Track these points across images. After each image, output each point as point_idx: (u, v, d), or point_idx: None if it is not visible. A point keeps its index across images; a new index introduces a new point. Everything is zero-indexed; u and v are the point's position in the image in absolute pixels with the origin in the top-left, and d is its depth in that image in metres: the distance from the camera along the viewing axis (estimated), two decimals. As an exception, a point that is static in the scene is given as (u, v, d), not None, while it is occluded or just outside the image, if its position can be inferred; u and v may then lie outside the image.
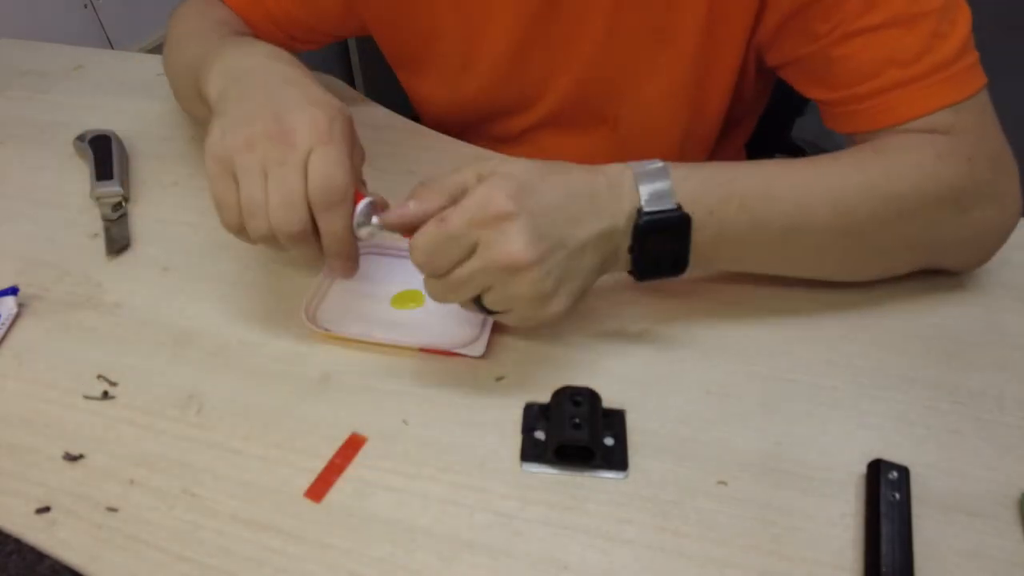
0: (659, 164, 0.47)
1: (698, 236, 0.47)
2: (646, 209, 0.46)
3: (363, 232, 0.47)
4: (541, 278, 0.44)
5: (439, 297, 0.47)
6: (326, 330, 0.52)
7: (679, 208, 0.46)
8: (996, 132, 0.52)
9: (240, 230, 0.48)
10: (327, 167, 0.45)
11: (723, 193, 0.48)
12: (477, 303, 0.46)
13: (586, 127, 0.69)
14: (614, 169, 0.48)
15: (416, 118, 0.80)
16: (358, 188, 0.48)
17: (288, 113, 0.47)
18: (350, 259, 0.49)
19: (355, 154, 0.49)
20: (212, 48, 0.57)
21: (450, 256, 0.44)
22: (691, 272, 0.49)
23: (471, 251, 0.44)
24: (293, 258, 0.58)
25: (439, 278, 0.45)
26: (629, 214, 0.46)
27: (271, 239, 0.47)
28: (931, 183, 0.49)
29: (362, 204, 0.47)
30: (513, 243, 0.43)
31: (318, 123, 0.46)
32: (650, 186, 0.46)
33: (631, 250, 0.47)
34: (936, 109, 0.50)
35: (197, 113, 0.68)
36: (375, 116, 0.75)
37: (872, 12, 0.50)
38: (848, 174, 0.50)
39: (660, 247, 0.47)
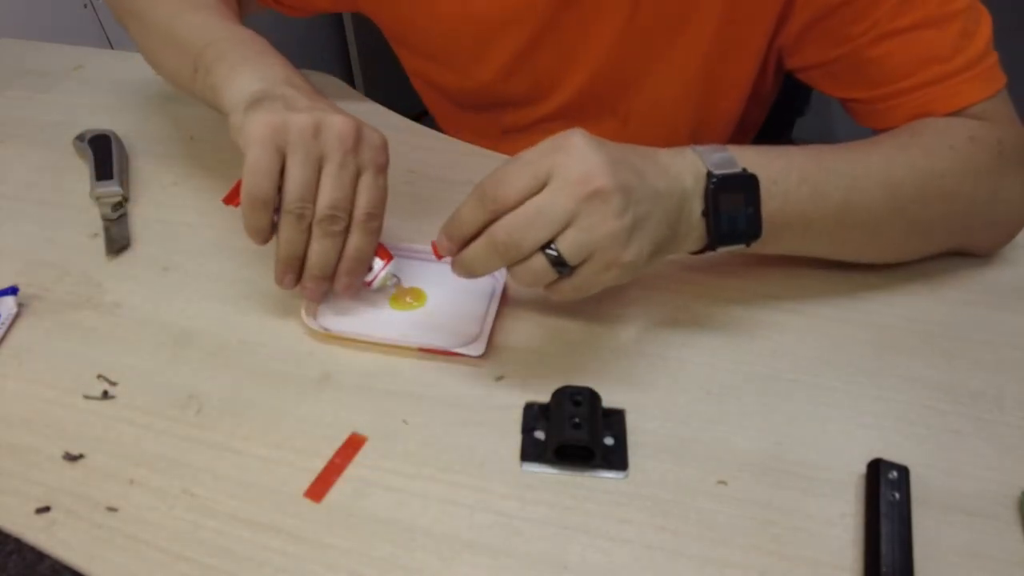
0: (715, 144, 0.48)
1: (766, 205, 0.47)
2: (715, 172, 0.46)
3: (380, 284, 0.53)
4: (622, 208, 0.42)
5: (514, 239, 0.42)
6: (326, 329, 0.52)
7: (745, 170, 0.47)
8: (1019, 121, 0.55)
9: (262, 202, 0.47)
10: (377, 193, 0.49)
11: (782, 164, 0.49)
12: (550, 258, 0.42)
13: (597, 121, 0.69)
14: (672, 148, 0.48)
15: (418, 116, 0.80)
16: (383, 245, 0.52)
17: (362, 125, 0.49)
18: (358, 276, 0.51)
19: None
20: (220, 39, 0.56)
21: (523, 182, 0.42)
22: (761, 248, 0.49)
23: (544, 182, 0.42)
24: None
25: (508, 218, 0.42)
26: (695, 175, 0.46)
27: (304, 222, 0.47)
28: (966, 163, 0.51)
29: (392, 264, 0.52)
30: (589, 159, 0.42)
31: (382, 150, 0.49)
32: (713, 154, 0.47)
33: (705, 213, 0.46)
34: (971, 104, 0.53)
35: (168, 72, 0.65)
36: (375, 116, 0.75)
37: (907, 13, 0.52)
38: (892, 154, 0.51)
39: (734, 207, 0.46)
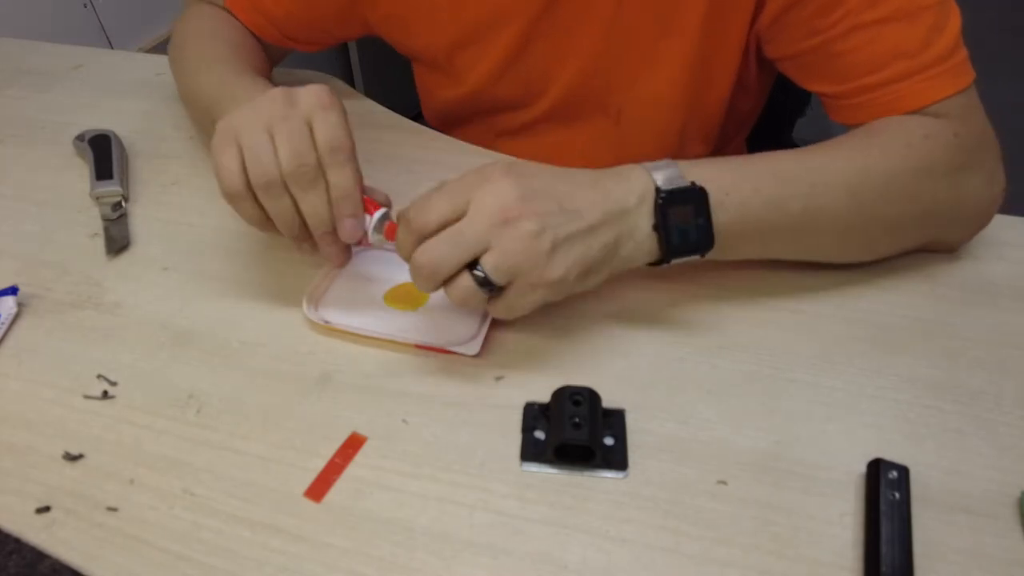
0: (666, 160, 0.49)
1: (719, 217, 0.48)
2: (664, 188, 0.48)
3: (375, 239, 0.50)
4: (536, 231, 0.44)
5: (433, 260, 0.45)
6: (326, 322, 0.53)
7: (694, 184, 0.48)
8: (982, 116, 0.55)
9: (239, 195, 0.48)
10: (331, 127, 0.48)
11: (734, 177, 0.49)
12: (477, 279, 0.45)
13: (588, 120, 0.70)
14: (620, 166, 0.49)
15: (418, 115, 0.80)
16: (370, 197, 0.50)
17: (291, 89, 0.49)
18: (354, 215, 0.49)
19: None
20: (226, 91, 0.59)
21: (442, 210, 0.45)
22: (719, 256, 0.50)
23: (464, 211, 0.45)
24: (291, 249, 0.58)
25: (430, 241, 0.45)
26: (641, 194, 0.48)
27: (275, 188, 0.48)
28: (922, 161, 0.52)
29: (379, 213, 0.50)
30: (505, 194, 0.45)
31: (320, 93, 0.49)
32: (662, 171, 0.48)
33: (656, 227, 0.48)
34: (937, 100, 0.53)
35: (203, 130, 0.69)
36: (375, 116, 0.75)
37: (877, 6, 0.52)
38: (851, 156, 0.52)
39: (684, 220, 0.48)
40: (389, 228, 0.50)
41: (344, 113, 0.49)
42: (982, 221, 0.56)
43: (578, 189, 0.47)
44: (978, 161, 0.54)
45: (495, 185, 0.45)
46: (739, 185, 0.49)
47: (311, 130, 0.48)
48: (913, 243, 0.56)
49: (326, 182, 0.48)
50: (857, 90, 0.55)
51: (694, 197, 0.48)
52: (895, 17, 0.52)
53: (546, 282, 0.45)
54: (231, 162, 0.48)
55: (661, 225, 0.48)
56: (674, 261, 0.49)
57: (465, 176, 0.46)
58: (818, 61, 0.57)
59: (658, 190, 0.48)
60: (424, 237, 0.46)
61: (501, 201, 0.44)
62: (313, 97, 0.49)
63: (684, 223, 0.48)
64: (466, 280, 0.45)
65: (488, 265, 0.45)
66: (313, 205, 0.48)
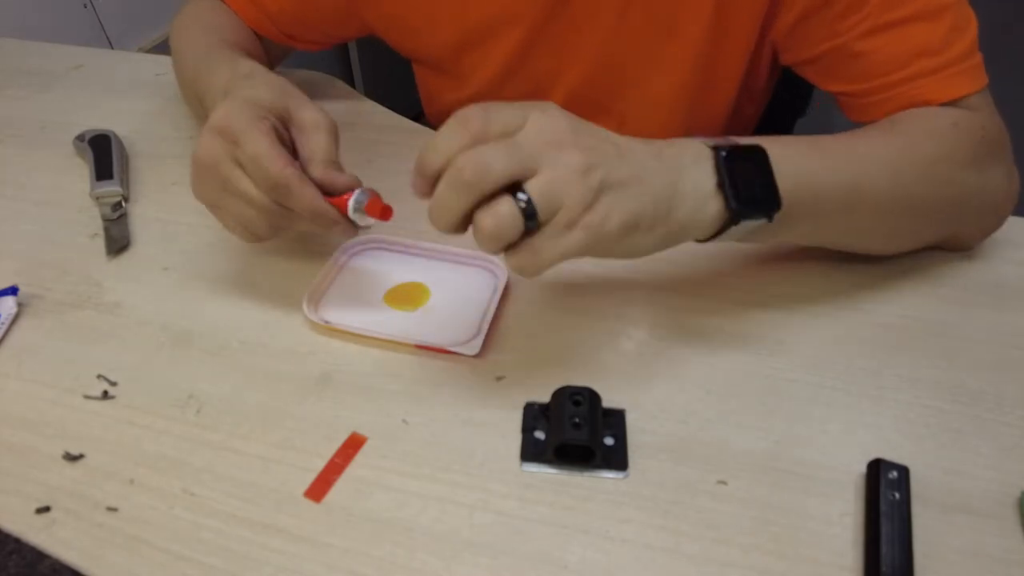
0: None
1: (780, 182, 0.45)
2: (722, 145, 0.44)
3: (360, 220, 0.49)
4: (584, 165, 0.40)
5: (485, 160, 0.39)
6: (326, 322, 0.53)
7: (751, 144, 0.46)
8: (998, 116, 0.55)
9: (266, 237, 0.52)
10: (257, 163, 0.47)
11: (784, 147, 0.47)
12: (520, 205, 0.39)
13: (592, 121, 0.69)
14: (669, 140, 0.46)
15: (418, 115, 0.80)
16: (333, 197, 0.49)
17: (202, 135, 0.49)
18: (336, 221, 0.49)
19: (313, 140, 0.49)
20: (207, 72, 0.58)
21: (505, 118, 0.40)
22: (772, 234, 0.47)
23: (521, 127, 0.41)
24: (290, 250, 0.58)
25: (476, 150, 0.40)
26: (695, 154, 0.44)
27: (283, 221, 0.50)
28: (952, 149, 0.52)
29: (351, 201, 0.48)
30: (558, 121, 0.41)
31: (220, 129, 0.48)
32: (713, 140, 0.45)
33: (720, 185, 0.43)
34: (963, 96, 0.53)
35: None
36: (375, 116, 0.75)
37: (898, 7, 0.52)
38: (885, 141, 0.52)
39: (749, 175, 0.44)
40: (371, 204, 0.48)
41: (251, 121, 0.47)
42: (1000, 215, 0.57)
43: (631, 141, 0.43)
44: (1000, 155, 0.54)
45: (549, 112, 0.41)
46: (792, 153, 0.47)
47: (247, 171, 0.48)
48: (940, 233, 0.56)
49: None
50: (879, 87, 0.55)
51: (755, 154, 0.45)
52: (918, 16, 0.52)
53: (586, 223, 0.39)
54: (234, 226, 0.51)
55: (726, 179, 0.43)
56: (742, 223, 0.44)
57: (521, 102, 0.42)
58: (838, 62, 0.57)
59: (716, 147, 0.44)
60: (479, 142, 0.40)
61: (554, 126, 0.40)
62: (223, 142, 0.48)
63: (750, 177, 0.44)
64: (507, 205, 0.39)
65: (535, 189, 0.39)
66: (308, 226, 0.50)
